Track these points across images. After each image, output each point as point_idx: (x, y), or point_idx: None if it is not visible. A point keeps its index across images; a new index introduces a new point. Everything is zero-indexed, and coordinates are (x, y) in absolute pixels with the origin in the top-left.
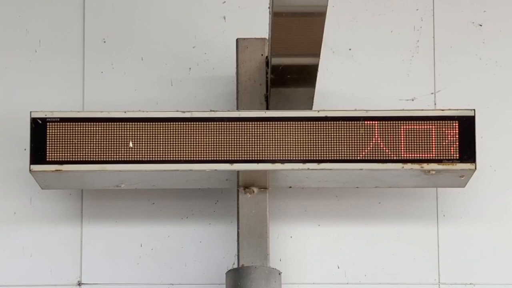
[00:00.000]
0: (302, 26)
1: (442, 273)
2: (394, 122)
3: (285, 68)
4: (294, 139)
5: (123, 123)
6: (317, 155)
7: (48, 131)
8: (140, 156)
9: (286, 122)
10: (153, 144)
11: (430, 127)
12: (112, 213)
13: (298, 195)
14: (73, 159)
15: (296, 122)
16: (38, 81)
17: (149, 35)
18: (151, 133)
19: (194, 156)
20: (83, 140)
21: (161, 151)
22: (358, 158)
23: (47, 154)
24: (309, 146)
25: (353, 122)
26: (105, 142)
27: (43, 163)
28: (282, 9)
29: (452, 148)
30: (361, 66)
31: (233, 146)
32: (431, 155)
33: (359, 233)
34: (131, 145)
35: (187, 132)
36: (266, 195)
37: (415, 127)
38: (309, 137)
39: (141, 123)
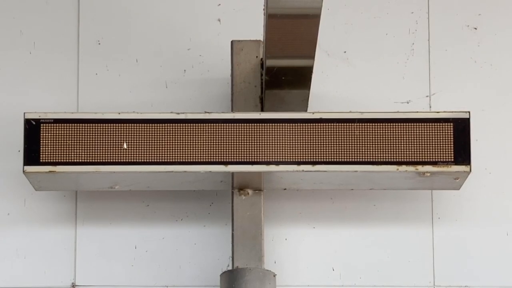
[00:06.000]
0: (297, 28)
1: (437, 275)
2: (389, 124)
3: (280, 70)
4: (288, 141)
5: (117, 125)
6: (311, 157)
7: (41, 132)
8: (134, 158)
9: (280, 124)
10: (147, 146)
11: (425, 129)
12: (106, 214)
13: (292, 197)
14: (67, 160)
15: (291, 124)
16: (33, 83)
17: (144, 37)
18: (145, 134)
19: (189, 157)
20: (77, 141)
21: (155, 153)
22: (353, 160)
23: (41, 155)
24: (304, 148)
25: (348, 124)
26: (99, 144)
27: (36, 164)
28: (277, 11)
29: (447, 150)
30: (356, 68)
31: (227, 148)
32: (426, 157)
33: (354, 236)
34: (125, 146)
35: (181, 134)
36: (261, 197)
37: (410, 129)
38: (304, 139)
39: (135, 125)
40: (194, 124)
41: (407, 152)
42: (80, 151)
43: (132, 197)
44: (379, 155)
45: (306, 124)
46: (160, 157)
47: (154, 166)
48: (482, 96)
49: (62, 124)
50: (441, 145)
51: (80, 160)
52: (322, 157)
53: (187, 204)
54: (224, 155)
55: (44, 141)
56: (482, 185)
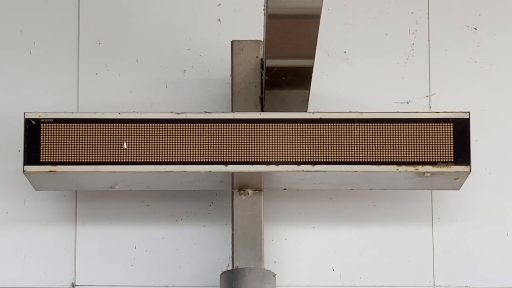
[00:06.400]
0: (297, 28)
1: (437, 275)
2: (388, 124)
3: (280, 70)
4: (288, 141)
5: (117, 124)
6: (311, 157)
7: (42, 132)
8: (134, 158)
9: (280, 124)
10: (147, 146)
11: (425, 129)
12: (106, 214)
13: (292, 197)
14: (67, 160)
15: (291, 124)
16: (33, 82)
17: (144, 37)
18: (145, 134)
19: (188, 157)
20: (77, 141)
21: (155, 153)
22: (353, 160)
23: (41, 155)
24: (304, 148)
25: (347, 124)
26: (99, 143)
27: (36, 164)
28: (277, 11)
29: (446, 150)
30: (356, 69)
31: (227, 148)
32: (426, 158)
33: (354, 236)
34: (125, 146)
35: (181, 134)
36: (261, 197)
37: (409, 129)
38: (304, 139)
39: (135, 125)
40: (194, 124)
41: (407, 152)
42: (80, 151)
43: (132, 197)
44: (379, 155)
45: (306, 124)
46: (160, 157)
47: (154, 166)
48: (482, 96)
49: (62, 124)
50: (441, 145)
51: (80, 160)
52: (322, 157)
53: (187, 204)
54: (224, 155)
55: (44, 141)
56: (482, 185)
